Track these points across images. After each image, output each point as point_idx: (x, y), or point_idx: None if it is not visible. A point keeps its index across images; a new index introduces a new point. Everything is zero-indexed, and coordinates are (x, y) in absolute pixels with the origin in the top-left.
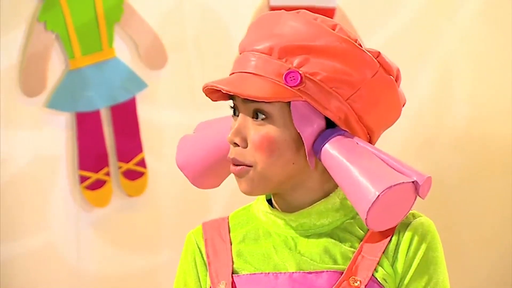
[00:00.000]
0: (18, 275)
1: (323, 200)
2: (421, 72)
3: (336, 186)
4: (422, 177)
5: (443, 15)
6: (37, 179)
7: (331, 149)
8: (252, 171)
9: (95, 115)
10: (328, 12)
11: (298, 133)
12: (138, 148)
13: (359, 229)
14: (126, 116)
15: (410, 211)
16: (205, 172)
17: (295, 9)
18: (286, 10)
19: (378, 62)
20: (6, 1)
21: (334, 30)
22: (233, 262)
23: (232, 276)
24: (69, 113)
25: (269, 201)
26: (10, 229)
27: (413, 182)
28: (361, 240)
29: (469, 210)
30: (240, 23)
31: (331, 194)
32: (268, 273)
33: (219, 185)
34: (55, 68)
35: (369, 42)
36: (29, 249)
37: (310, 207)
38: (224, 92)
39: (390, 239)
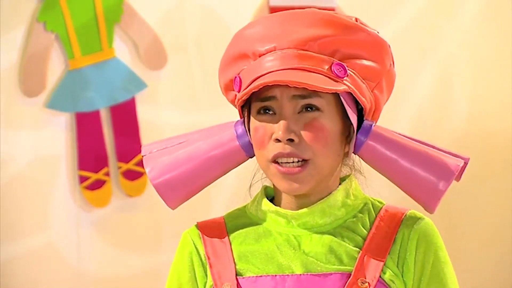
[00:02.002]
0: (18, 275)
1: (325, 198)
2: (421, 72)
3: (339, 183)
4: (466, 158)
5: (443, 15)
6: (37, 179)
7: (381, 144)
8: (311, 164)
9: (95, 115)
10: None
11: (342, 124)
12: (138, 148)
13: (362, 228)
14: (125, 116)
15: (411, 210)
16: (179, 191)
17: (295, 9)
18: (286, 11)
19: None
20: (6, 1)
21: (357, 22)
22: (235, 263)
23: (236, 278)
24: (69, 113)
25: (270, 201)
26: (10, 229)
27: (465, 163)
28: (365, 239)
29: (469, 210)
30: (240, 23)
31: (333, 192)
32: (275, 275)
33: (176, 208)
34: (55, 68)
35: None
36: (29, 249)
37: (313, 205)
38: (291, 85)
39: (395, 239)
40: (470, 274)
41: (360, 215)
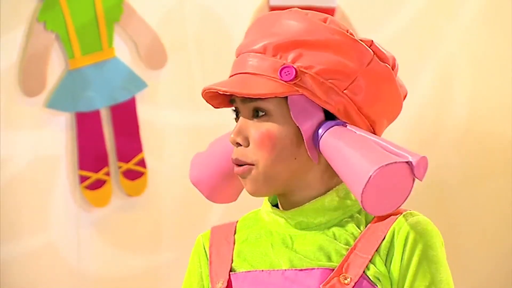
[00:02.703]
0: (18, 275)
1: (319, 197)
2: (421, 72)
3: (336, 183)
4: (417, 156)
5: (443, 15)
6: (37, 179)
7: (329, 138)
8: (255, 169)
9: (95, 115)
10: (328, 12)
11: (298, 127)
12: (138, 148)
13: (356, 227)
14: (126, 116)
15: (408, 211)
16: (219, 186)
17: (271, 12)
18: (271, 12)
19: (372, 50)
20: (6, 1)
21: (325, 23)
22: (232, 261)
23: (229, 274)
24: (69, 113)
25: (277, 205)
26: (10, 229)
27: (407, 162)
28: (357, 238)
29: (469, 210)
30: (240, 23)
31: (328, 192)
32: (263, 270)
33: (236, 199)
34: (55, 68)
35: None
36: (29, 249)
37: (305, 204)
38: (221, 93)
39: (384, 237)
40: (470, 274)
41: (357, 215)
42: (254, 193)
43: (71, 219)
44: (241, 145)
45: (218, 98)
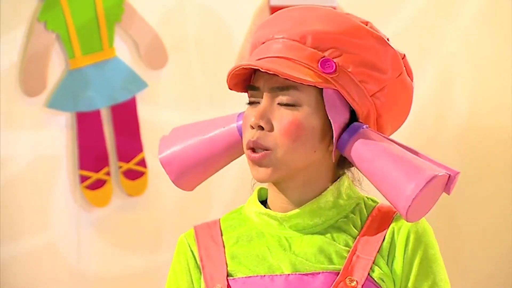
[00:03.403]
0: (18, 275)
1: (315, 198)
2: (422, 71)
3: (330, 184)
4: (455, 171)
5: (444, 15)
6: (37, 179)
7: (363, 143)
8: (273, 155)
9: (96, 115)
10: None
11: (325, 122)
12: (139, 148)
13: (353, 228)
14: (126, 116)
15: None
16: (188, 172)
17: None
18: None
19: (403, 63)
20: (6, 1)
21: (366, 25)
22: (227, 264)
23: (227, 279)
24: (69, 113)
25: (263, 202)
26: (10, 229)
27: (449, 175)
28: (355, 239)
29: (469, 209)
30: (241, 23)
31: (323, 193)
32: (264, 275)
33: (194, 189)
34: (56, 68)
35: None
36: (29, 249)
37: (303, 206)
38: (263, 70)
39: (384, 238)
40: (470, 273)
41: (352, 215)
42: (263, 181)
43: (72, 219)
44: (262, 129)
45: (237, 78)
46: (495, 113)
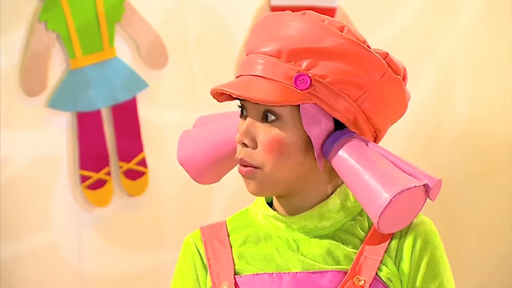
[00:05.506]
0: (18, 275)
1: (324, 202)
2: (422, 72)
3: (336, 186)
4: (433, 180)
5: (444, 15)
6: (38, 179)
7: (342, 151)
8: (260, 173)
9: (96, 114)
10: (329, 12)
11: (307, 134)
12: (139, 148)
13: (360, 230)
14: (127, 116)
15: None
16: (207, 168)
17: (296, 9)
18: (288, 10)
19: (387, 62)
20: (6, 1)
21: (342, 31)
22: (234, 264)
23: (234, 277)
24: (70, 112)
25: (269, 204)
26: (11, 229)
27: (424, 185)
28: (363, 241)
29: (470, 209)
30: (241, 23)
31: (331, 196)
32: (272, 273)
33: (219, 180)
34: (56, 67)
35: (370, 42)
36: (30, 249)
37: (311, 209)
38: (234, 96)
39: (391, 238)
40: (470, 273)
41: (359, 217)
42: (256, 194)
43: (72, 219)
44: (247, 146)
45: (224, 94)
46: (496, 113)
